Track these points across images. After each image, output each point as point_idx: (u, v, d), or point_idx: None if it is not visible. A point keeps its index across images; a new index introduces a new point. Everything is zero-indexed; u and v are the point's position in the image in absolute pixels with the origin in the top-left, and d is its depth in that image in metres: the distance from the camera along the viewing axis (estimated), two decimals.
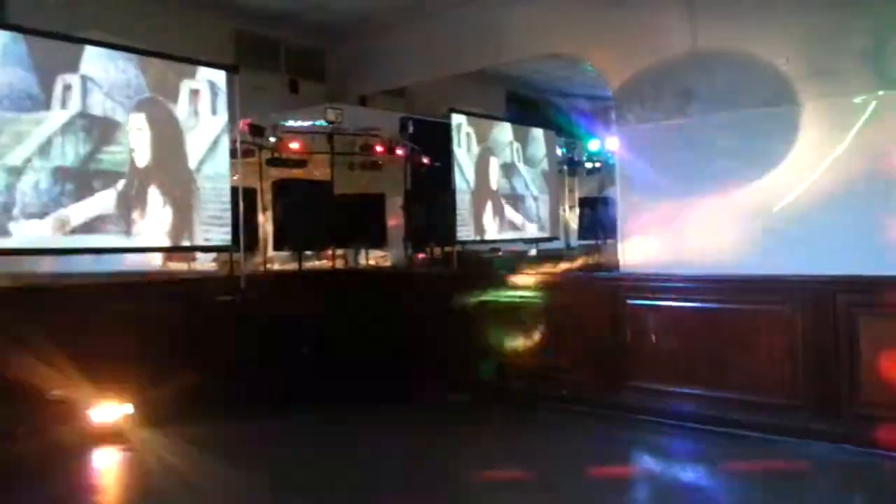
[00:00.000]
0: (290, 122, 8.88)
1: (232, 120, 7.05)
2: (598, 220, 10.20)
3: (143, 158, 6.42)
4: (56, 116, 5.90)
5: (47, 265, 6.36)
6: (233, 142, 7.08)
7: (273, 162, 8.50)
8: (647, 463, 5.22)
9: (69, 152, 5.95)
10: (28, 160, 5.75)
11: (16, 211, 5.68)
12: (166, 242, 6.66)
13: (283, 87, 9.63)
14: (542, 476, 4.72)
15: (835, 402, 5.04)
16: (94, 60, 6.15)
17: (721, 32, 6.58)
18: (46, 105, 5.86)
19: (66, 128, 5.94)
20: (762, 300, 5.45)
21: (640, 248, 6.62)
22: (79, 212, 6.01)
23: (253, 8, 8.53)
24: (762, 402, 5.32)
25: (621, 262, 6.70)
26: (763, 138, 6.19)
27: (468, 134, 8.92)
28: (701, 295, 5.75)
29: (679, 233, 6.40)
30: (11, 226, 5.65)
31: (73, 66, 6.03)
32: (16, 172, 5.67)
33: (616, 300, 6.08)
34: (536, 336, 6.56)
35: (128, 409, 5.77)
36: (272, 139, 8.47)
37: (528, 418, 6.10)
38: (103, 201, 6.15)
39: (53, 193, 5.86)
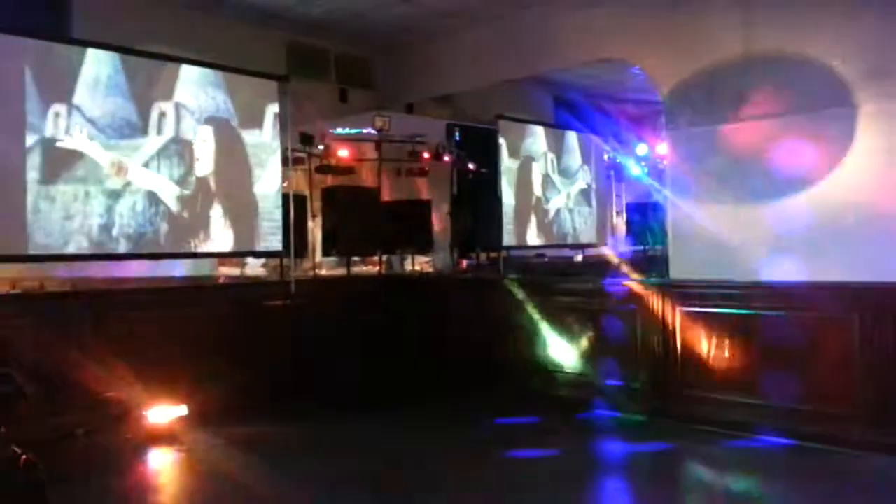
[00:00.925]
0: (339, 130, 9.01)
1: (284, 129, 7.19)
2: (646, 225, 10.07)
3: (203, 168, 6.66)
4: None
5: (103, 270, 6.54)
6: (284, 150, 7.22)
7: (322, 169, 8.62)
8: (701, 473, 5.11)
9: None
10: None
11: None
12: (221, 248, 6.83)
13: (333, 96, 9.75)
14: (593, 485, 4.68)
15: None
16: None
17: (775, 34, 6.42)
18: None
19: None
20: (821, 308, 5.31)
21: (690, 254, 6.51)
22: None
23: (304, 19, 8.66)
24: (820, 412, 5.18)
25: (671, 269, 6.59)
26: (819, 142, 6.02)
27: (509, 141, 8.90)
28: (755, 302, 5.64)
29: (731, 238, 6.25)
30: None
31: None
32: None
33: (666, 307, 6.00)
34: (584, 343, 6.51)
35: (181, 410, 5.91)
36: (321, 147, 8.60)
37: (576, 427, 6.04)
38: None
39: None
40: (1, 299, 5.56)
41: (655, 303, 6.07)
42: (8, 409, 4.32)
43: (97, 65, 6.00)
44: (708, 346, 5.81)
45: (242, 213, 6.91)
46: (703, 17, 6.78)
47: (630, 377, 6.17)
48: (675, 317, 5.95)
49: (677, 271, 6.49)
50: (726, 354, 5.73)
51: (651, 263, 8.24)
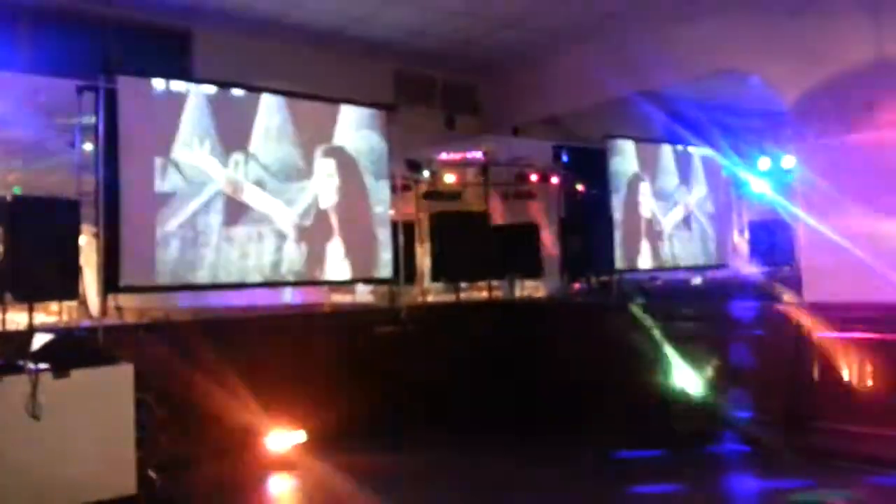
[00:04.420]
0: (445, 156, 9.05)
1: (391, 156, 7.28)
2: (774, 244, 9.51)
3: (325, 201, 6.84)
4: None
5: (221, 298, 6.77)
6: (392, 178, 7.31)
7: (429, 195, 8.67)
8: None
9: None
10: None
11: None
12: (337, 277, 6.96)
13: (439, 122, 9.85)
14: None
15: None
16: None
17: None
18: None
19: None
20: None
21: (824, 275, 6.06)
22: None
23: (410, 48, 8.81)
24: None
25: (804, 291, 6.15)
26: None
27: (620, 160, 8.63)
28: None
29: (871, 257, 5.78)
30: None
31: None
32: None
33: (801, 333, 5.59)
34: (708, 371, 6.17)
35: (300, 436, 6.01)
36: (428, 173, 8.66)
37: (702, 462, 5.68)
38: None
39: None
40: (131, 329, 5.85)
41: (787, 327, 5.68)
42: (144, 435, 4.52)
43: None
44: (847, 373, 5.37)
45: (356, 242, 7.01)
46: (828, 22, 6.40)
47: (760, 408, 5.77)
48: (809, 342, 5.54)
49: (811, 293, 6.06)
50: (868, 383, 5.28)
51: (779, 285, 7.75)
